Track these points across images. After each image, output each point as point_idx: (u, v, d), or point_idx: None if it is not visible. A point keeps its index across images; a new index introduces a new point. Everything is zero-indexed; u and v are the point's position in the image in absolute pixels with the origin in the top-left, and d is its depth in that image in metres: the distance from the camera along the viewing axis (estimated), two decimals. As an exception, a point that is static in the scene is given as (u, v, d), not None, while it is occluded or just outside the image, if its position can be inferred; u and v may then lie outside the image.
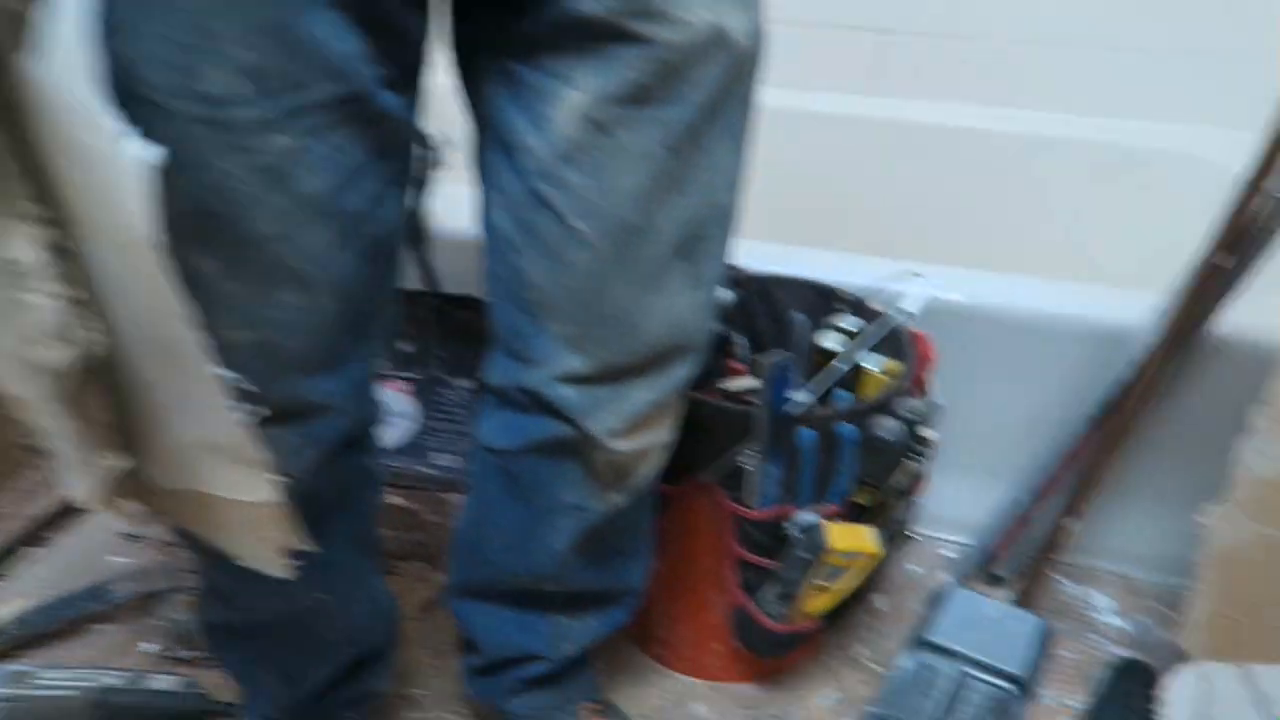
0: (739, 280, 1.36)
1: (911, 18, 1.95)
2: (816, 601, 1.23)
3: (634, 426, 0.90)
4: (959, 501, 1.62)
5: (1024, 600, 1.53)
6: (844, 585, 1.23)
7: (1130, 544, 1.59)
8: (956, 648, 1.37)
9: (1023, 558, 1.56)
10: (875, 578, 1.35)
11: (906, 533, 1.51)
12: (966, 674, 1.33)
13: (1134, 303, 1.38)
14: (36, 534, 1.61)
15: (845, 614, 1.40)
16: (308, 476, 0.81)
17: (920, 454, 1.22)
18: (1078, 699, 1.39)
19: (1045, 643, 1.41)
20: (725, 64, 0.76)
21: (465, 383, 1.64)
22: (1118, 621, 1.53)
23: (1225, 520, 1.11)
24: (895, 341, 1.27)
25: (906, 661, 1.36)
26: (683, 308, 0.86)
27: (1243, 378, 1.26)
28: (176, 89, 0.63)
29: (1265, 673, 0.98)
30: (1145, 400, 1.34)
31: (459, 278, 1.51)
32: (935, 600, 1.46)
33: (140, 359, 0.70)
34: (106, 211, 0.62)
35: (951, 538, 1.68)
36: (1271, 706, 0.96)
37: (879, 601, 1.55)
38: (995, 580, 1.59)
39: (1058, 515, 1.46)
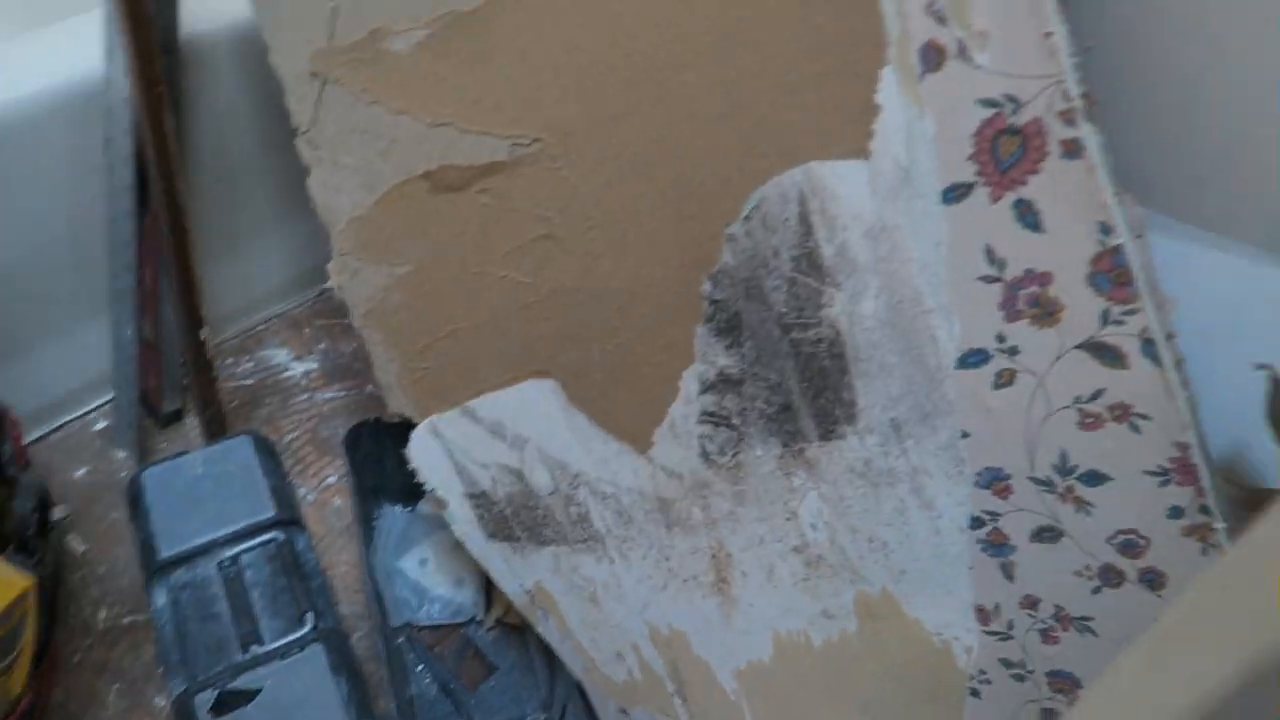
0: None
1: None
2: (10, 682, 0.87)
3: None
4: (70, 365, 1.26)
5: (212, 418, 1.31)
6: (26, 639, 0.87)
7: (261, 287, 1.44)
8: (196, 542, 1.13)
9: (176, 371, 1.30)
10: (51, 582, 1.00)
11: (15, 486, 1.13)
12: (225, 560, 1.11)
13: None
14: None
15: (55, 633, 1.04)
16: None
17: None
18: (337, 469, 1.30)
19: (268, 455, 1.24)
20: None
21: None
22: (307, 366, 1.42)
23: (345, 273, 0.98)
24: None
25: (159, 599, 1.10)
26: None
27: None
28: None
29: (480, 405, 0.95)
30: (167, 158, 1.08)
31: None
32: (134, 503, 1.17)
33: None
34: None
35: (90, 406, 1.33)
36: (505, 429, 0.95)
37: (83, 551, 1.20)
38: (172, 418, 1.33)
39: (175, 306, 1.19)
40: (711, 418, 0.82)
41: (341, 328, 1.47)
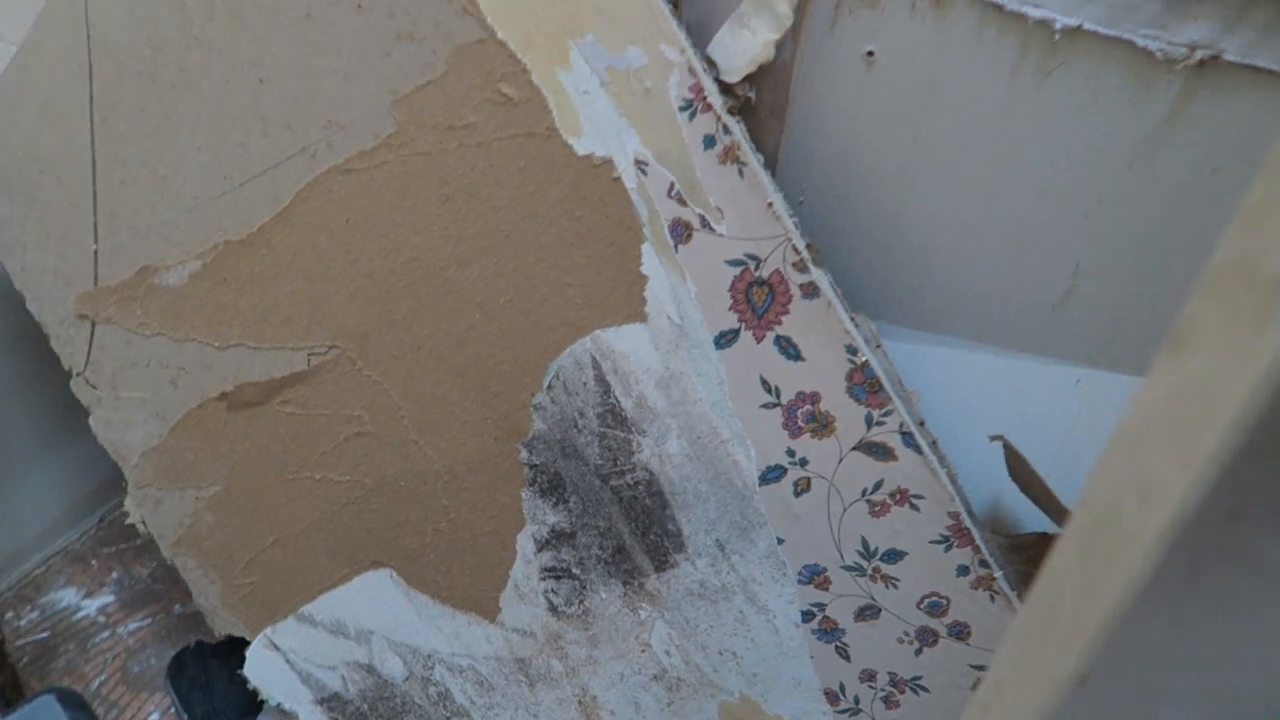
0: None
1: None
2: None
3: None
4: None
5: (4, 685, 1.19)
6: None
7: (32, 527, 1.33)
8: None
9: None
10: None
11: None
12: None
13: None
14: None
15: None
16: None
17: None
18: (159, 704, 1.21)
19: (79, 709, 1.14)
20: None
21: None
22: (102, 600, 1.32)
23: (145, 505, 0.95)
24: None
25: None
26: None
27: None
28: None
29: (316, 608, 0.94)
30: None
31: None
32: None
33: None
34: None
35: None
36: (347, 626, 0.94)
37: None
38: (-46, 697, 1.19)
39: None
40: (552, 572, 0.86)
41: (134, 551, 1.38)
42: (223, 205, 0.82)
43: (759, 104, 0.73)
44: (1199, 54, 0.60)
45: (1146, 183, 0.66)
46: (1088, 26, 0.62)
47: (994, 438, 0.76)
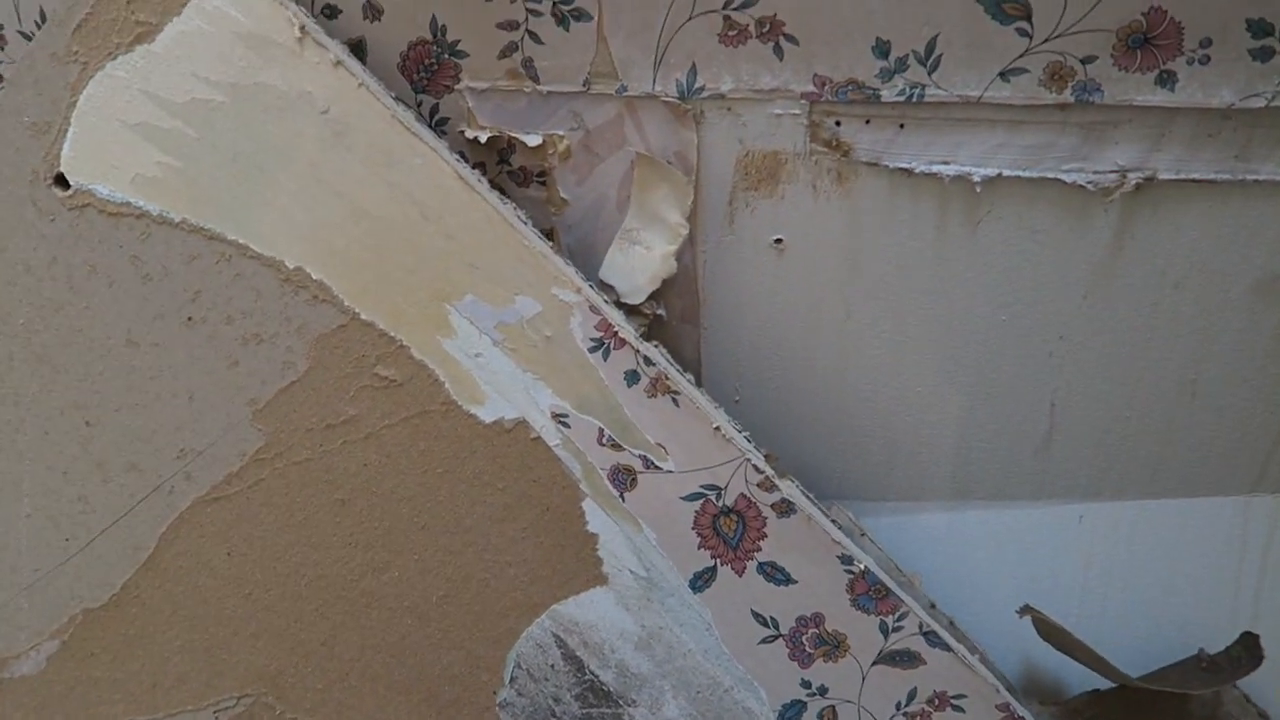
0: None
1: None
2: None
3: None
4: None
5: None
6: None
7: None
8: None
9: None
10: None
11: None
12: None
13: None
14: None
15: None
16: None
17: None
18: None
19: None
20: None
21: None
22: None
23: None
24: None
25: None
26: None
27: None
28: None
29: None
30: None
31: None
32: None
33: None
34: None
35: None
36: None
37: None
38: None
39: None
40: None
41: None
42: (71, 571, 0.68)
43: (669, 313, 0.66)
44: (1133, 178, 0.55)
45: (1107, 308, 0.61)
46: (1007, 173, 0.57)
47: (1021, 611, 0.68)
